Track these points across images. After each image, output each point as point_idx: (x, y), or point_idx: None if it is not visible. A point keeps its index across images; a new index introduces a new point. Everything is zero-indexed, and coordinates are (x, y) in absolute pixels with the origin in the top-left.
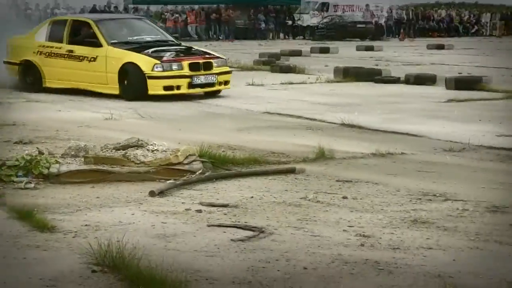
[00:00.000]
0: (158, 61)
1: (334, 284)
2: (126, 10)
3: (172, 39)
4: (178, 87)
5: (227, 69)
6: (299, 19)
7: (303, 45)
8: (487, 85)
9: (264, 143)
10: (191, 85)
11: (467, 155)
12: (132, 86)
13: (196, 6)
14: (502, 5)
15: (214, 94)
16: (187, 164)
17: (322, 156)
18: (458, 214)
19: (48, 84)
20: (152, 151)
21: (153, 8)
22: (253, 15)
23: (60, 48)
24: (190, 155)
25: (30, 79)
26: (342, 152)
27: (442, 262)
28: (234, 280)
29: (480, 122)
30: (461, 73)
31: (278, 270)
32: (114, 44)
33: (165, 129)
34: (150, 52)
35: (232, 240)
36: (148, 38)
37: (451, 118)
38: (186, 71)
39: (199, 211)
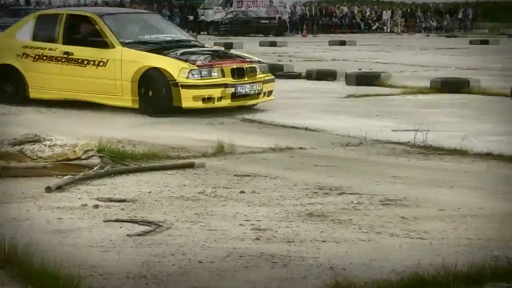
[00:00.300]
0: (194, 66)
1: (228, 277)
2: (28, 2)
3: (192, 38)
4: (219, 99)
5: (271, 76)
6: (203, 15)
7: (207, 40)
8: (386, 81)
9: (164, 138)
10: (234, 96)
11: (364, 150)
12: (158, 97)
13: (99, 0)
14: (402, 2)
15: (250, 108)
16: (85, 159)
17: (221, 151)
18: (352, 207)
19: (34, 94)
20: (50, 146)
21: (56, 2)
22: (157, 10)
23: (53, 49)
24: (88, 150)
25: (11, 88)
26: (242, 147)
27: (335, 254)
28: (129, 275)
29: (378, 117)
30: (361, 69)
31: (173, 265)
32: (128, 45)
33: (65, 124)
34: (178, 54)
35: (128, 235)
36: (167, 37)
37: (350, 113)
38: (228, 78)
39: (96, 206)
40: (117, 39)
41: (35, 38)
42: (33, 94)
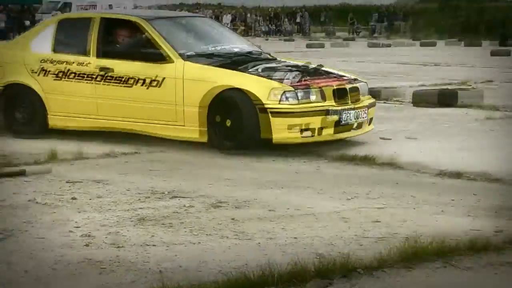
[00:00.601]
0: (288, 87)
1: (55, 285)
2: None
3: (258, 48)
4: (320, 130)
5: (373, 99)
6: (41, 19)
7: None
8: None
9: None
10: (337, 126)
11: (199, 153)
12: (242, 128)
13: None
14: (243, 6)
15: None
16: None
17: (54, 158)
18: (184, 211)
19: (55, 122)
20: None
21: None
22: None
23: (84, 64)
24: None
25: (24, 114)
26: (76, 153)
27: (165, 258)
28: None
29: None
30: None
31: None
32: (191, 58)
33: None
34: (260, 71)
35: None
36: (234, 48)
37: None
38: (330, 102)
39: None
40: (176, 50)
41: (57, 49)
42: (54, 122)
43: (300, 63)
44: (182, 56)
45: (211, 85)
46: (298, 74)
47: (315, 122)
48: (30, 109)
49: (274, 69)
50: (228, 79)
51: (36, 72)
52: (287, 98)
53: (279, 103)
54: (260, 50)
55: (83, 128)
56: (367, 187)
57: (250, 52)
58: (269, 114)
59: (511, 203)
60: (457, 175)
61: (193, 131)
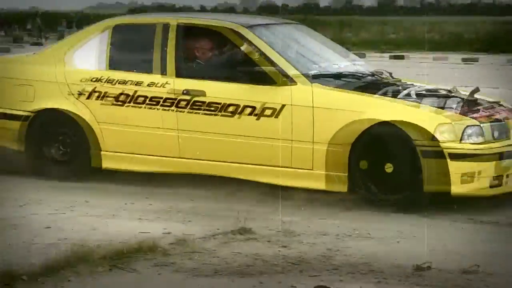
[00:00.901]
0: (473, 120)
1: None
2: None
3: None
4: (506, 177)
5: None
6: None
7: None
8: None
9: None
10: None
11: None
12: (415, 177)
13: None
14: None
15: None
16: None
17: None
18: None
19: (112, 163)
20: None
21: None
22: None
23: (160, 84)
24: None
25: (62, 152)
26: None
27: None
28: None
29: None
30: None
31: None
32: (318, 79)
33: None
34: (414, 96)
35: None
36: (357, 66)
37: None
38: None
39: None
40: (298, 70)
41: (114, 64)
42: (110, 162)
43: (432, 86)
44: (306, 76)
45: (353, 117)
46: (459, 101)
47: (501, 167)
48: (70, 145)
49: (423, 95)
50: (380, 109)
51: (83, 95)
52: (469, 136)
53: (459, 142)
54: (381, 69)
55: (157, 171)
56: (47, 194)
57: (379, 72)
58: (447, 157)
59: (180, 206)
60: (130, 181)
61: (322, 176)
